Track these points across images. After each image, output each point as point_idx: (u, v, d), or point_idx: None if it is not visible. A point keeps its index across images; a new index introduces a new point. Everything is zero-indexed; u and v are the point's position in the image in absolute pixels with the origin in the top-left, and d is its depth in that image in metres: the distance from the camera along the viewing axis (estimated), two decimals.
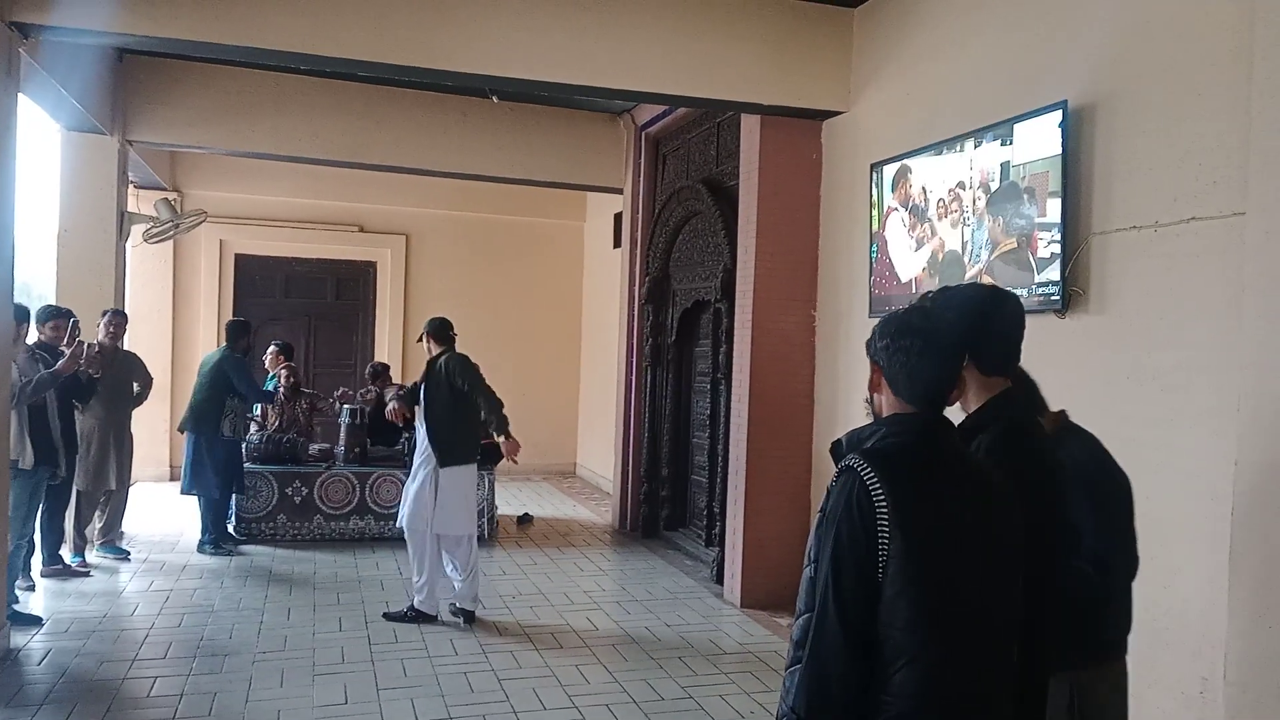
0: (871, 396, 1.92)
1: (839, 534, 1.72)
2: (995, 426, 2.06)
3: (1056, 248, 4.00)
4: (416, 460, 5.76)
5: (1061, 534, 2.07)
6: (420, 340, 5.95)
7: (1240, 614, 2.91)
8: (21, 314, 5.50)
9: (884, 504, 1.69)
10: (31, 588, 5.92)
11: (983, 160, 4.50)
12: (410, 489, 5.76)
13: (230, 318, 8.60)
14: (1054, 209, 4.02)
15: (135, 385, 6.97)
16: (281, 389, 8.11)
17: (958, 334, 1.88)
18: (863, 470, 1.73)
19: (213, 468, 7.15)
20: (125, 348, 7.04)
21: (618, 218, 9.70)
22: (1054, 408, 2.54)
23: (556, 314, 11.86)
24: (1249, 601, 2.89)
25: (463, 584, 5.73)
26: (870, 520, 1.69)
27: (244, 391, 7.29)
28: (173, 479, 9.95)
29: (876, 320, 1.92)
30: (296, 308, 11.08)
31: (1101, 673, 2.47)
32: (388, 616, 5.67)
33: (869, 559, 1.69)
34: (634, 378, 8.69)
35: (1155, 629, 3.36)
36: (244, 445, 7.57)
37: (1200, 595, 3.23)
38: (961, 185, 4.67)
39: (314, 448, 8.03)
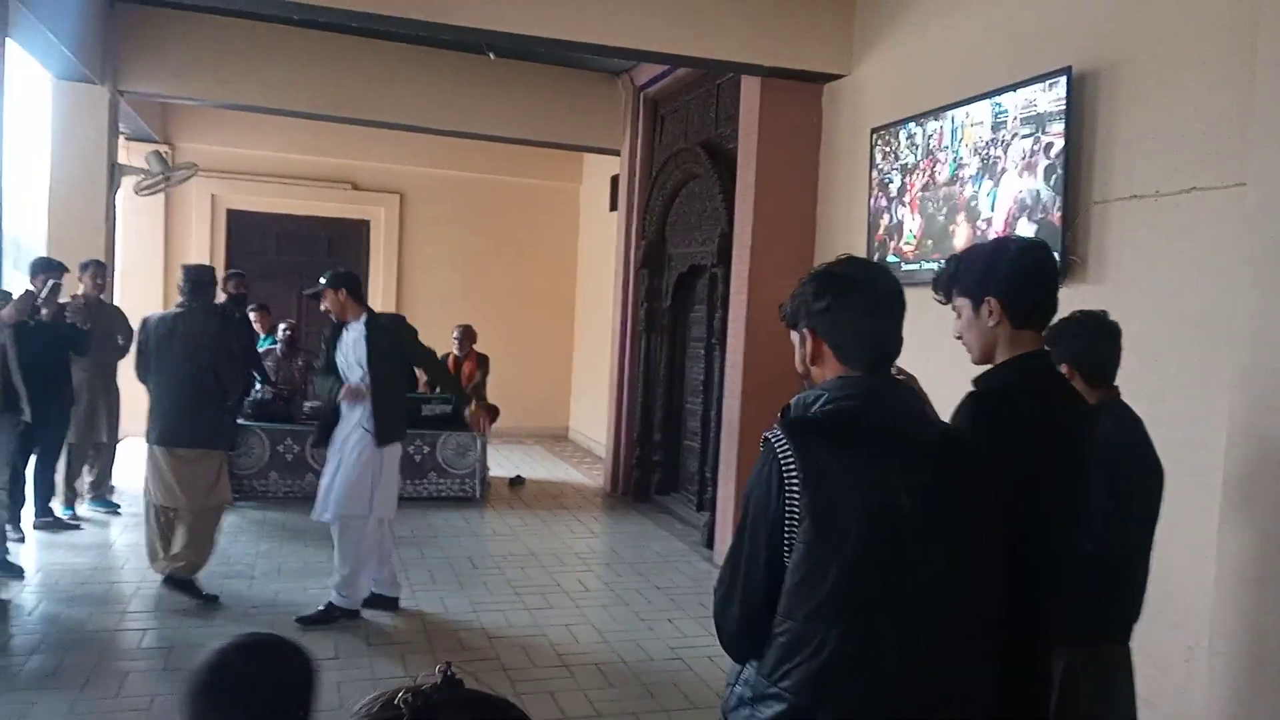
0: (808, 370, 1.73)
1: (752, 512, 1.61)
2: (970, 393, 1.90)
3: (1056, 215, 3.98)
4: (343, 440, 4.92)
5: (1068, 511, 1.92)
6: (318, 296, 4.99)
7: (1227, 586, 2.94)
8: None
9: (795, 483, 1.54)
10: (22, 540, 5.92)
11: (983, 127, 4.46)
12: (343, 474, 4.88)
13: (225, 271, 8.12)
14: (1054, 176, 4.00)
15: (119, 339, 6.92)
16: (280, 345, 8.10)
17: (898, 288, 1.70)
18: (779, 444, 1.58)
19: None
20: (110, 301, 6.99)
21: (614, 180, 9.62)
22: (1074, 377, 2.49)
23: (551, 276, 11.81)
24: (1235, 573, 2.92)
25: (386, 568, 5.15)
26: (779, 503, 1.56)
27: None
28: None
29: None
30: (289, 265, 10.97)
31: (1098, 653, 2.42)
32: (302, 621, 4.77)
33: (776, 542, 1.58)
34: (628, 342, 8.67)
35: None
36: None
37: (1185, 566, 3.25)
38: (962, 152, 4.63)
39: (307, 405, 8.01)
